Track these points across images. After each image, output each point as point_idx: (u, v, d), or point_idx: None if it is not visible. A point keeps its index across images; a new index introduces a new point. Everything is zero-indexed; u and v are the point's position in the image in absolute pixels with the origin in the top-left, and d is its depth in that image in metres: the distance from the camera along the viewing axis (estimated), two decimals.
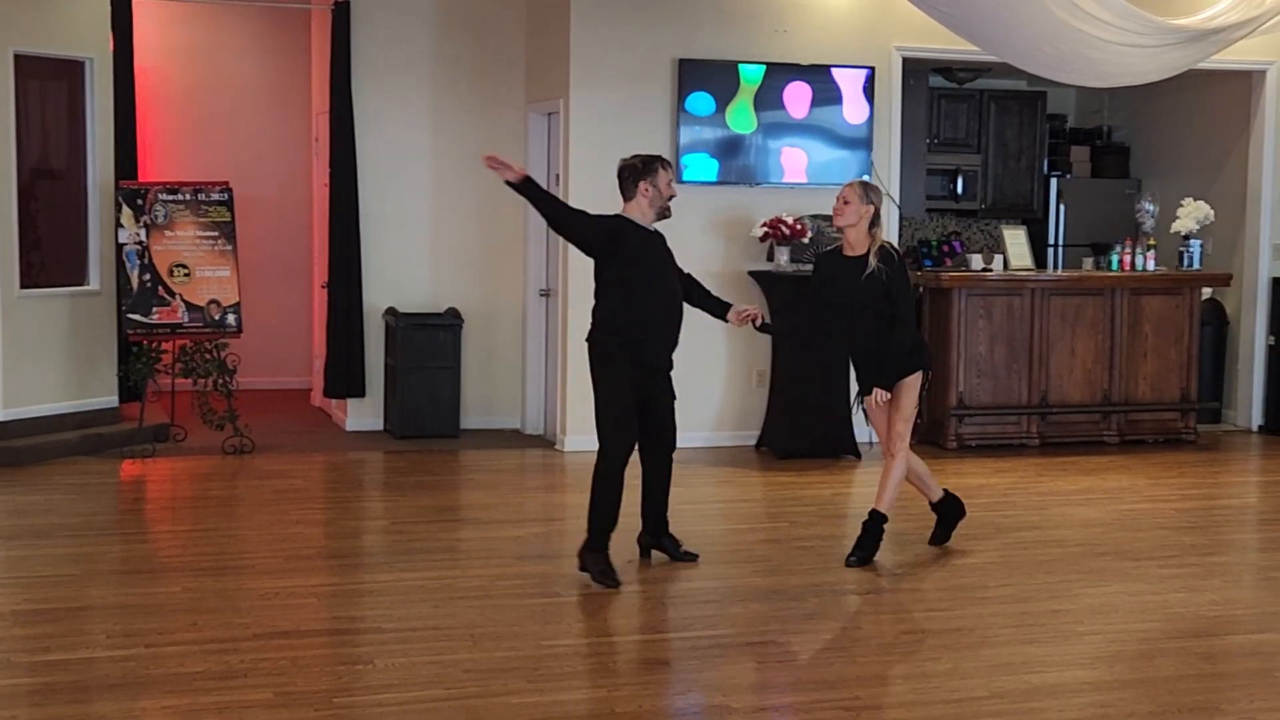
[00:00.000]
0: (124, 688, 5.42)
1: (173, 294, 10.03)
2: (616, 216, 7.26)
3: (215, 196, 10.25)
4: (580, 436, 10.34)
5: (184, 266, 10.08)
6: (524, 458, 10.35)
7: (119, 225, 10.04)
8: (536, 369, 11.07)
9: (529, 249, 10.99)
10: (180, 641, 5.93)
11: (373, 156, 10.88)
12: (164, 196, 10.11)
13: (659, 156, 7.31)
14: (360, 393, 10.97)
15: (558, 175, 10.59)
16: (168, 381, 10.43)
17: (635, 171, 7.20)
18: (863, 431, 10.50)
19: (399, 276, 10.98)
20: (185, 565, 7.26)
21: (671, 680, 5.68)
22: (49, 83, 10.10)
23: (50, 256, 10.20)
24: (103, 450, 9.97)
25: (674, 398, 7.41)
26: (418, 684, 5.50)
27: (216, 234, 10.20)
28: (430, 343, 10.69)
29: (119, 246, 10.05)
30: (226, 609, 6.39)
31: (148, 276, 10.00)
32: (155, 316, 10.01)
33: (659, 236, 7.32)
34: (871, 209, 7.32)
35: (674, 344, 7.36)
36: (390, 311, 10.85)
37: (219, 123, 12.79)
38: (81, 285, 10.21)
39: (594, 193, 10.31)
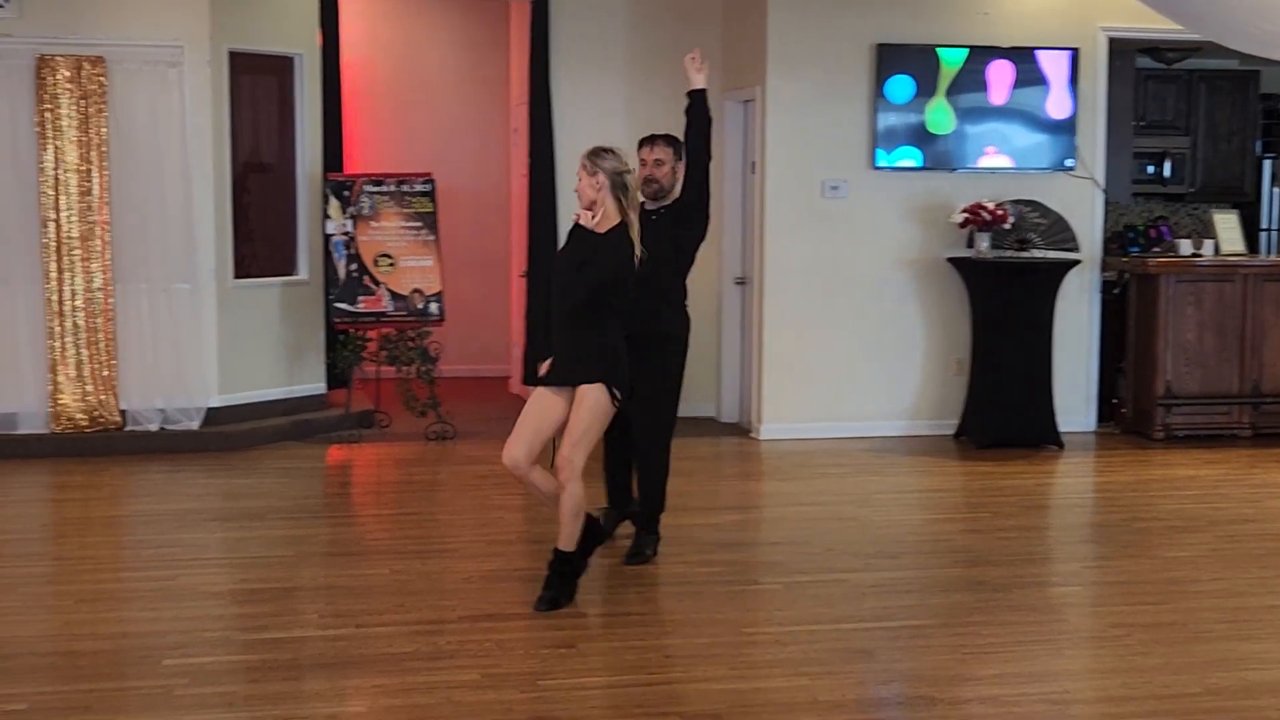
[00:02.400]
0: (335, 667, 5.57)
1: (378, 283, 10.25)
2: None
3: (418, 187, 10.45)
4: (777, 424, 10.35)
5: (388, 256, 10.30)
6: (719, 445, 10.36)
7: (326, 216, 10.31)
8: (732, 357, 11.07)
9: (724, 237, 10.98)
10: (389, 622, 6.07)
11: (570, 146, 10.94)
12: (369, 188, 10.35)
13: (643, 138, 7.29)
14: None
15: (754, 163, 10.58)
16: (373, 369, 10.67)
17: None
18: (1066, 421, 10.32)
19: None
20: (391, 548, 7.42)
21: (874, 670, 5.64)
22: (261, 79, 10.40)
23: (262, 247, 10.52)
24: (311, 436, 10.24)
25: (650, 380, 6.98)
26: (620, 668, 5.55)
27: (420, 224, 10.40)
28: None
29: (326, 237, 10.32)
30: (432, 591, 6.52)
31: (354, 266, 10.24)
32: (361, 305, 10.25)
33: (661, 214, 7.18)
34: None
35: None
36: None
37: (421, 115, 13.03)
38: (291, 275, 10.51)
39: (790, 180, 10.30)
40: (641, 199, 6.85)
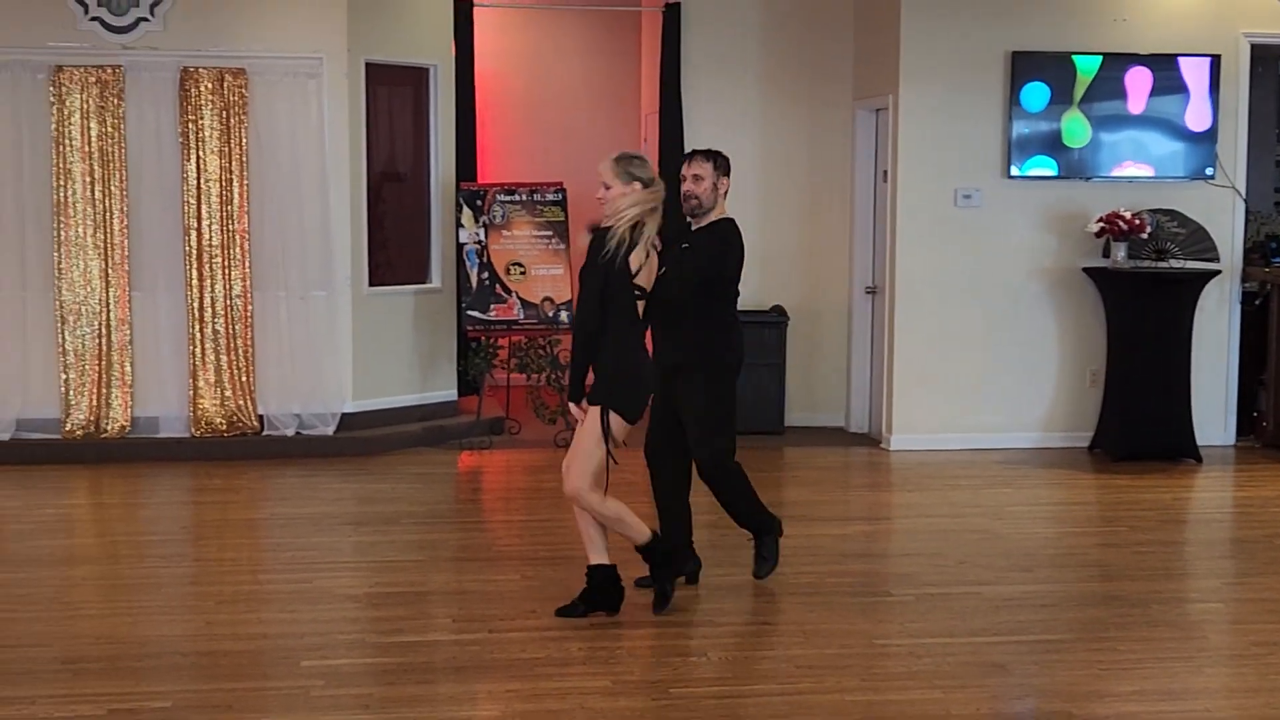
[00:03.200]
0: (468, 671, 5.63)
1: (509, 291, 10.35)
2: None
3: (550, 196, 10.54)
4: (908, 435, 10.27)
5: (520, 265, 10.40)
6: (848, 455, 10.31)
7: (459, 225, 10.43)
8: (861, 366, 11.00)
9: (855, 246, 10.94)
10: (520, 628, 6.12)
11: None
12: (502, 197, 10.45)
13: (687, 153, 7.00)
14: None
15: (885, 172, 10.52)
16: (503, 376, 10.78)
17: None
18: (1204, 434, 10.12)
19: None
20: (522, 554, 7.48)
21: (1008, 684, 5.57)
22: (396, 89, 10.56)
23: (396, 255, 10.67)
24: (443, 441, 10.36)
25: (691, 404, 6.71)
26: (751, 678, 5.55)
27: (551, 233, 10.49)
28: (755, 340, 10.70)
29: (459, 246, 10.44)
30: (563, 598, 6.54)
31: (486, 275, 10.35)
32: (493, 313, 10.35)
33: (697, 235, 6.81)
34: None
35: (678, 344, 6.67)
36: None
37: (552, 124, 13.12)
38: (424, 283, 10.64)
39: (923, 189, 10.23)
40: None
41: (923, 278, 10.26)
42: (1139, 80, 10.20)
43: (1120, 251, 10.02)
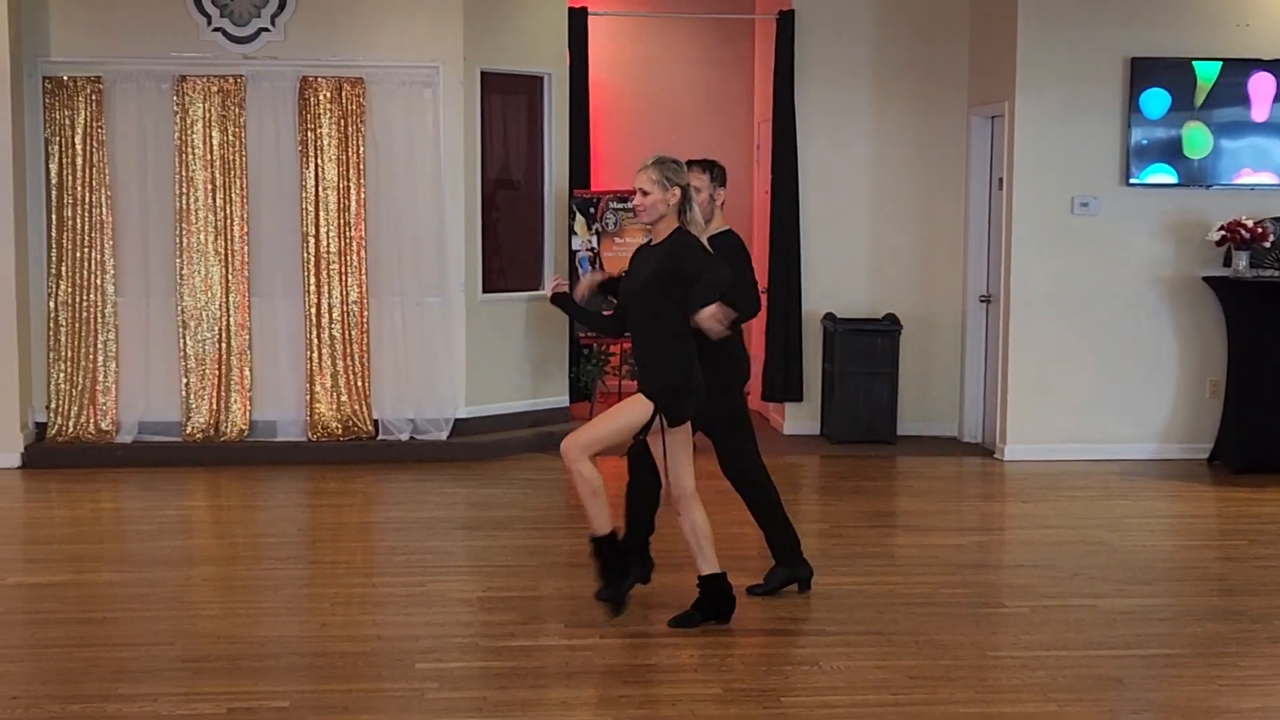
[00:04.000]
0: (580, 676, 5.65)
1: None
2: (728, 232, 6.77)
3: None
4: (1022, 445, 10.16)
5: None
6: (962, 465, 10.22)
7: (572, 232, 10.49)
8: (975, 376, 10.90)
9: (969, 254, 10.85)
10: (633, 634, 6.13)
11: (813, 163, 10.96)
12: (614, 205, 10.49)
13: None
14: (798, 397, 11.08)
15: (1000, 180, 10.42)
16: (615, 383, 10.81)
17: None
18: None
19: (838, 282, 11.03)
20: None
21: (1126, 699, 5.49)
22: (511, 98, 10.64)
23: (509, 262, 10.75)
24: (554, 448, 10.27)
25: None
26: (864, 688, 5.52)
27: None
28: (868, 348, 10.70)
29: (572, 253, 10.50)
30: (675, 605, 6.55)
31: None
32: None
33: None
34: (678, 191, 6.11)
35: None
36: (829, 317, 10.91)
37: (665, 132, 13.11)
38: (537, 290, 10.70)
39: (1039, 197, 10.12)
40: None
41: (1039, 286, 10.15)
42: (1262, 86, 10.01)
43: (1242, 260, 9.84)
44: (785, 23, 10.86)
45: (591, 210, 10.47)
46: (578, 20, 10.89)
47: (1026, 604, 6.68)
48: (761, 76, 11.80)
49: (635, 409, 6.07)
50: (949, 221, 10.95)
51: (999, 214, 10.49)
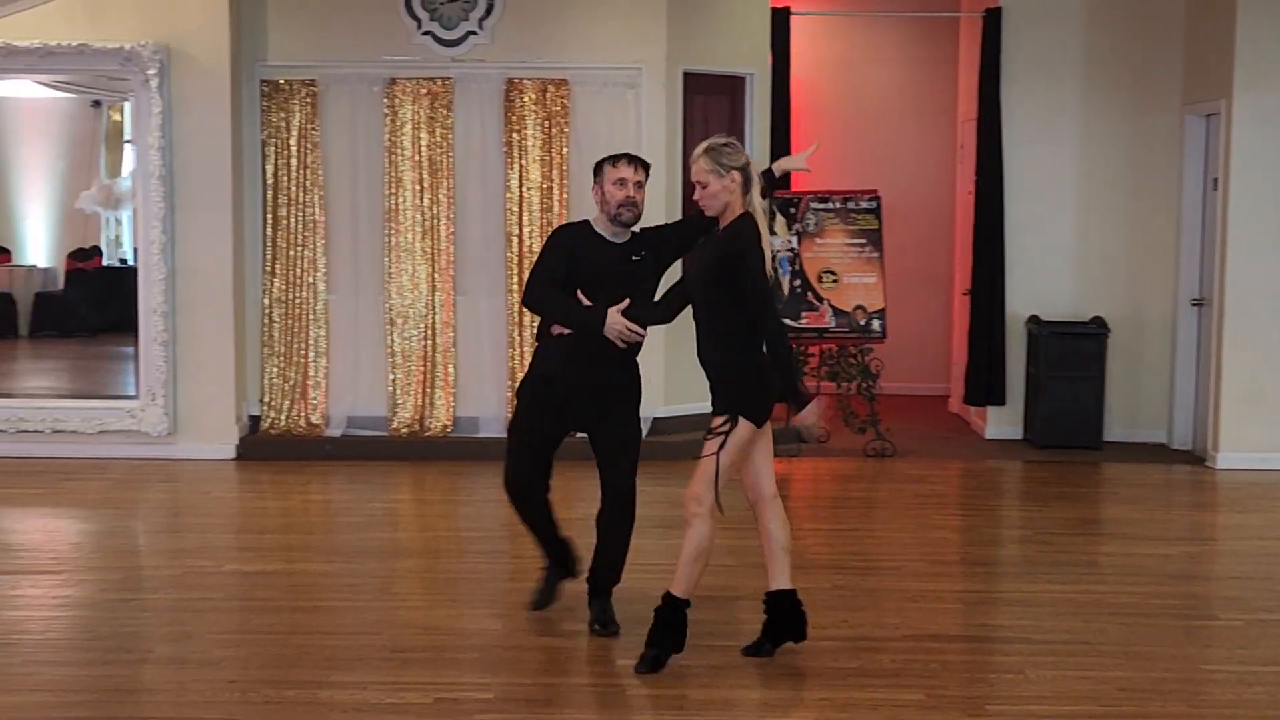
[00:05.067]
0: (779, 678, 5.64)
1: (821, 299, 10.34)
2: (581, 224, 6.27)
3: (864, 205, 10.49)
4: (1236, 453, 9.87)
5: (832, 273, 10.38)
6: (1170, 473, 9.95)
7: (772, 233, 10.41)
8: (1186, 381, 10.60)
9: (1181, 256, 10.55)
10: (833, 637, 6.10)
11: (1019, 162, 10.77)
12: (815, 205, 10.45)
13: (617, 155, 6.14)
14: (1000, 400, 10.90)
15: (1215, 180, 10.12)
16: (813, 384, 10.75)
17: (594, 174, 6.19)
18: None
19: (1042, 284, 10.82)
20: (831, 563, 7.45)
21: None
22: (712, 98, 10.65)
23: None
24: None
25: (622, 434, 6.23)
26: (1070, 698, 5.41)
27: (864, 241, 10.44)
28: (1074, 351, 10.48)
29: (772, 254, 10.45)
30: (874, 608, 6.52)
31: (798, 282, 10.36)
32: (804, 321, 10.36)
33: (627, 248, 6.10)
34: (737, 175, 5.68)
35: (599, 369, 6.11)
36: (1033, 319, 10.71)
37: (866, 132, 13.06)
38: None
39: (1257, 197, 9.81)
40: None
41: (1255, 289, 9.84)
42: None
43: None
44: (992, 20, 10.69)
45: (792, 210, 10.44)
46: (780, 20, 10.86)
47: (1241, 617, 6.48)
48: (966, 75, 11.64)
49: (732, 433, 5.67)
50: (1160, 222, 10.67)
51: (1213, 215, 10.19)
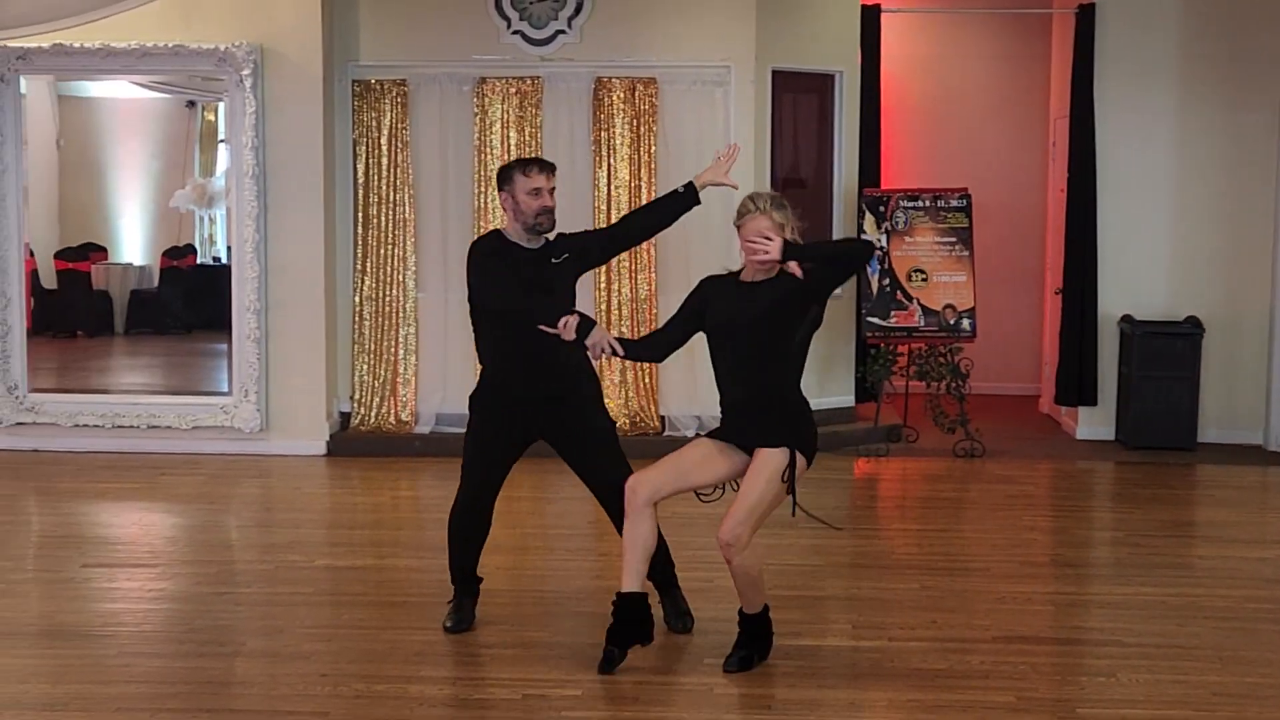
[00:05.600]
0: (868, 678, 5.62)
1: (910, 298, 10.28)
2: (493, 234, 6.16)
3: (954, 203, 10.41)
4: None
5: (922, 272, 10.31)
6: (1266, 475, 9.80)
7: (861, 231, 10.41)
8: None
9: (1279, 255, 10.38)
10: (921, 638, 6.07)
11: (1112, 160, 10.65)
12: (904, 203, 10.39)
13: (526, 160, 6.06)
14: (1092, 401, 10.78)
15: None
16: (902, 383, 10.71)
17: (499, 181, 6.07)
18: None
19: (1136, 283, 10.69)
20: (920, 563, 7.41)
21: None
22: (801, 96, 10.63)
23: None
24: (839, 447, 10.36)
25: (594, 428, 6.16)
26: (1163, 702, 5.34)
27: (954, 240, 10.36)
28: (1167, 351, 10.34)
29: None
30: (964, 609, 6.48)
31: (887, 281, 10.31)
32: (893, 320, 10.30)
33: (544, 252, 6.03)
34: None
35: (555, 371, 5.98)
36: (1126, 319, 10.58)
37: (956, 130, 12.96)
38: None
39: None
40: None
41: None
42: None
43: None
44: (1085, 16, 10.57)
45: (881, 209, 10.38)
46: (870, 18, 10.81)
47: None
48: (1058, 72, 11.51)
49: (777, 472, 5.54)
50: (1258, 222, 10.49)
51: None
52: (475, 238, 6.59)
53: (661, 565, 6.15)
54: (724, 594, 6.72)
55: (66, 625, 6.27)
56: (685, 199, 6.33)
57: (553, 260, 6.01)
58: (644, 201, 10.05)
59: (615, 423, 6.40)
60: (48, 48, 9.74)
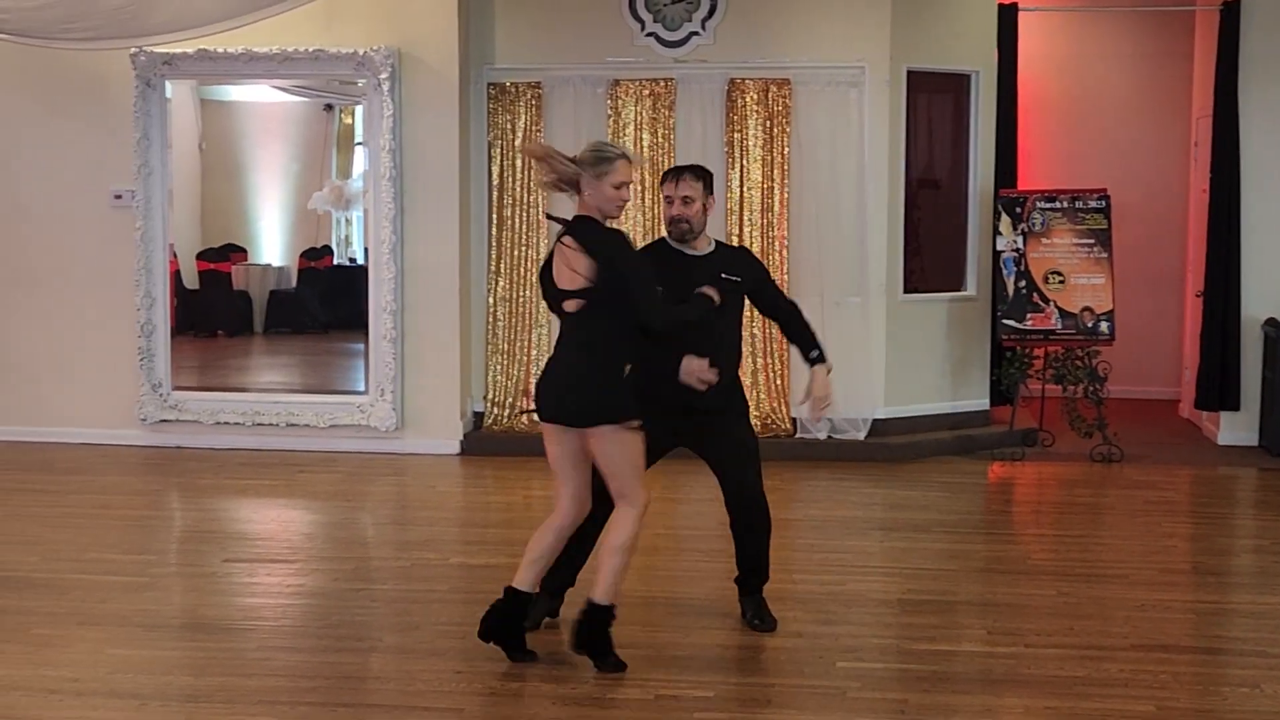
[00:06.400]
0: (1004, 684, 5.54)
1: (1047, 300, 10.14)
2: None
3: (1092, 204, 10.25)
4: None
5: (1059, 274, 10.16)
6: None
7: (997, 233, 10.30)
8: None
9: None
10: (1058, 645, 5.98)
11: (1256, 160, 10.40)
12: (1042, 204, 10.24)
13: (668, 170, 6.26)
14: (1234, 406, 10.55)
15: None
16: (1037, 387, 10.57)
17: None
18: None
19: None
20: (1056, 569, 7.30)
21: None
22: (936, 96, 10.53)
23: (930, 263, 10.65)
24: (972, 451, 10.25)
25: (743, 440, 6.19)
26: None
27: (1092, 241, 10.20)
28: None
29: (996, 253, 10.31)
30: (1101, 616, 6.37)
31: (1023, 283, 10.17)
32: (1029, 323, 10.17)
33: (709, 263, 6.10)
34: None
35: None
36: (1270, 322, 10.34)
37: (1094, 129, 12.75)
38: (958, 291, 10.57)
39: None
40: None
41: None
42: None
43: None
44: (1229, 14, 10.34)
45: (1018, 210, 10.25)
46: (1008, 16, 10.68)
47: None
48: (1201, 71, 11.28)
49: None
50: None
51: None
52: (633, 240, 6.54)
53: (748, 574, 6.28)
54: (856, 598, 6.69)
55: (208, 619, 6.41)
56: (806, 358, 6.43)
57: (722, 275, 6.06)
58: (775, 204, 10.02)
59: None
60: (192, 53, 9.96)
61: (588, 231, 5.51)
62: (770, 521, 6.22)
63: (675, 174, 6.07)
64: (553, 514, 5.71)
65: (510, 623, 5.67)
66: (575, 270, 5.50)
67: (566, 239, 5.55)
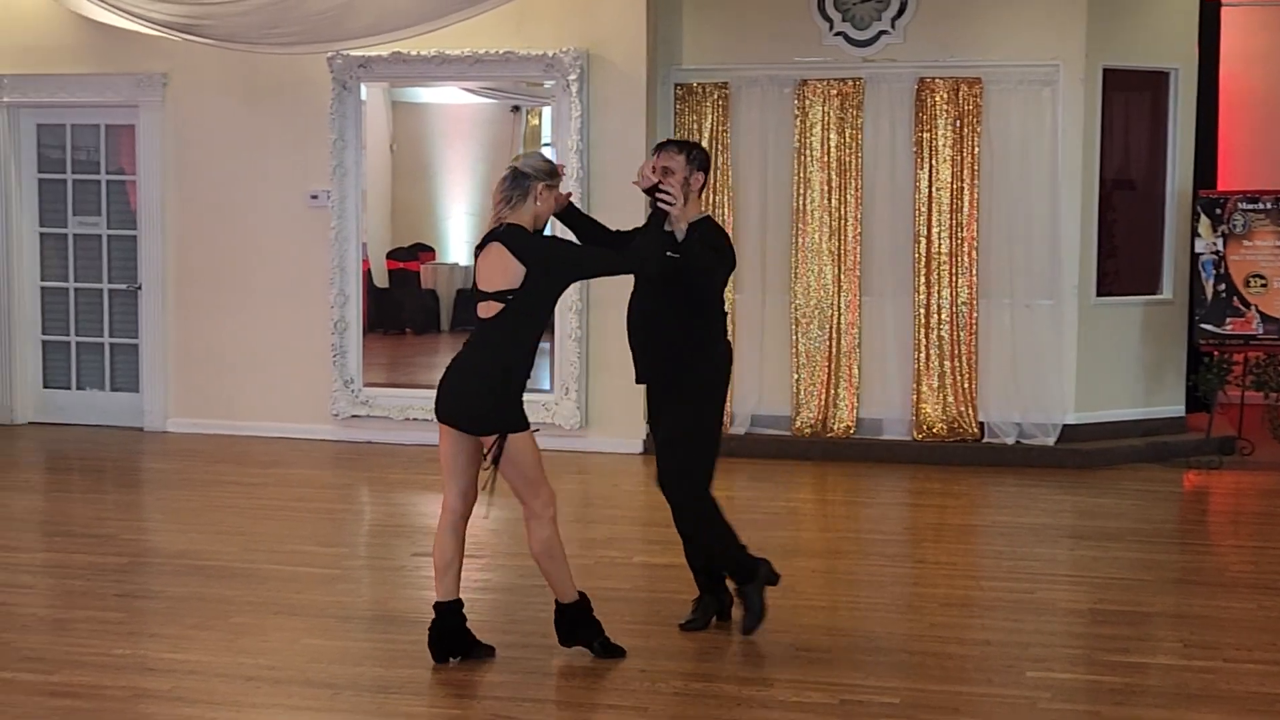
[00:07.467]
0: (1200, 700, 5.38)
1: (1248, 305, 9.84)
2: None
3: None
4: None
5: (1261, 277, 9.85)
6: None
7: (1195, 235, 10.01)
8: None
9: None
10: (1259, 660, 5.79)
11: None
12: (1243, 205, 9.94)
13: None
14: None
15: None
16: (1236, 393, 10.25)
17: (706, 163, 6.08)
18: None
19: None
20: (1257, 582, 7.07)
21: None
22: (1133, 94, 10.28)
23: (1125, 265, 10.41)
24: (1167, 459, 9.99)
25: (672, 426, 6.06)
26: None
27: None
28: None
29: (1194, 256, 10.03)
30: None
31: (1223, 287, 9.88)
32: (1228, 327, 9.88)
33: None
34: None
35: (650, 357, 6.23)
36: None
37: None
38: (1154, 294, 10.31)
39: None
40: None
41: None
42: None
43: None
44: None
45: (1218, 211, 9.95)
46: (1209, 12, 10.40)
47: None
48: None
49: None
50: None
51: None
52: (720, 224, 6.47)
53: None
54: (1046, 607, 6.56)
55: (397, 611, 6.52)
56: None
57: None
58: (965, 204, 9.88)
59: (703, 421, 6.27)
60: (386, 56, 10.15)
61: (517, 238, 5.54)
62: (697, 517, 6.01)
63: (661, 145, 6.02)
64: (442, 515, 5.79)
65: (456, 634, 5.75)
66: (504, 274, 5.52)
67: (496, 244, 5.57)
